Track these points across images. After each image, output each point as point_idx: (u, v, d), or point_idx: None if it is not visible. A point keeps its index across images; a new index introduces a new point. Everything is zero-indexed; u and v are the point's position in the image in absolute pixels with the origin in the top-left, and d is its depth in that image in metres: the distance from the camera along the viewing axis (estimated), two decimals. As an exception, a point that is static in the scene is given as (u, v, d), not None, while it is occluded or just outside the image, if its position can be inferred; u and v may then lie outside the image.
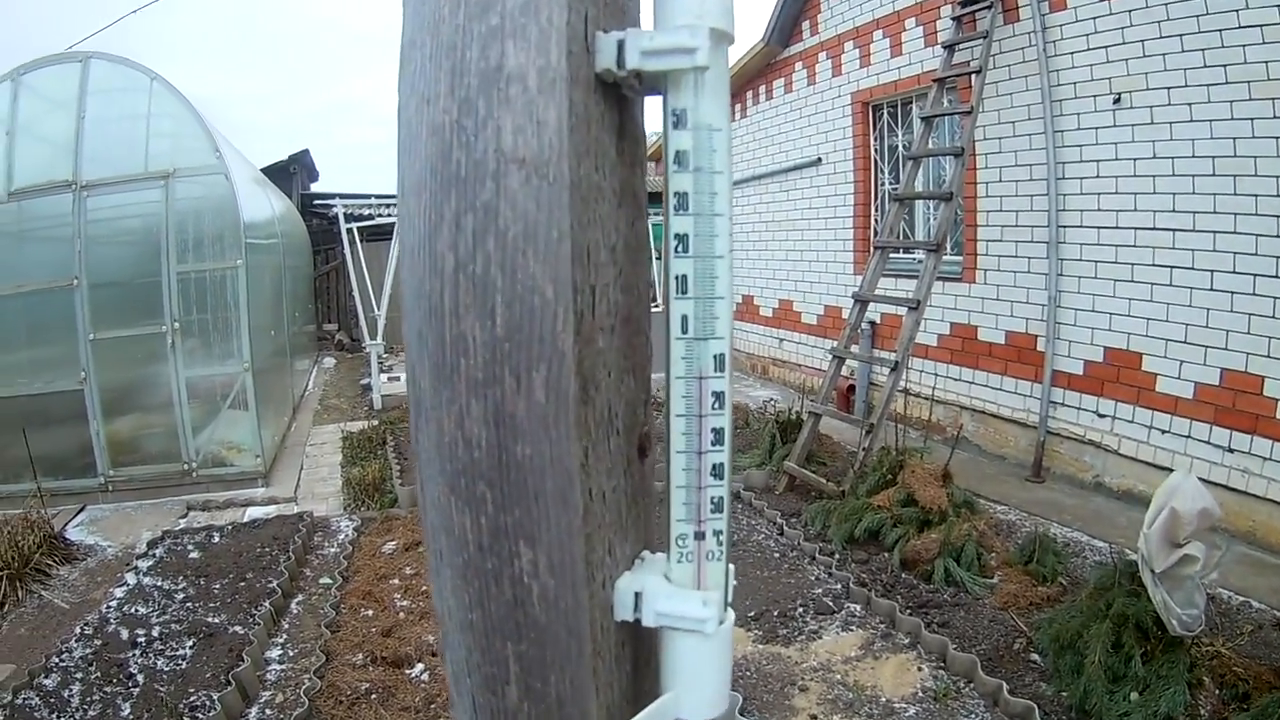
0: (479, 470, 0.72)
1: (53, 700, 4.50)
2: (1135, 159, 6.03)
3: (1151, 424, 6.12)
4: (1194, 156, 5.64)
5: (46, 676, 4.74)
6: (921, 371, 8.33)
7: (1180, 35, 5.62)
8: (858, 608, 4.98)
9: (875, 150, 9.26)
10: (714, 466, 0.77)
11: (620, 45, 0.71)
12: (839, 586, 5.23)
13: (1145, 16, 5.86)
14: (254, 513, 7.64)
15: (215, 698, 4.28)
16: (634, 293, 0.83)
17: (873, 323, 8.86)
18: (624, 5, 0.77)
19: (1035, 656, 4.24)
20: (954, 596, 4.97)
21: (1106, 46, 6.18)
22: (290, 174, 20.38)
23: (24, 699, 4.51)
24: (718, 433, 0.77)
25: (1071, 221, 6.60)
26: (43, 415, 7.87)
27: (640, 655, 0.83)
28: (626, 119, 0.78)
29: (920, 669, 4.24)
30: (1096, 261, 6.42)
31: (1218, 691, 3.66)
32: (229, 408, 8.39)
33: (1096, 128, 6.32)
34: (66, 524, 7.29)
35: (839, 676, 4.24)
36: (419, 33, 0.72)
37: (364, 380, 12.84)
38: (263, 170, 18.04)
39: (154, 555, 6.54)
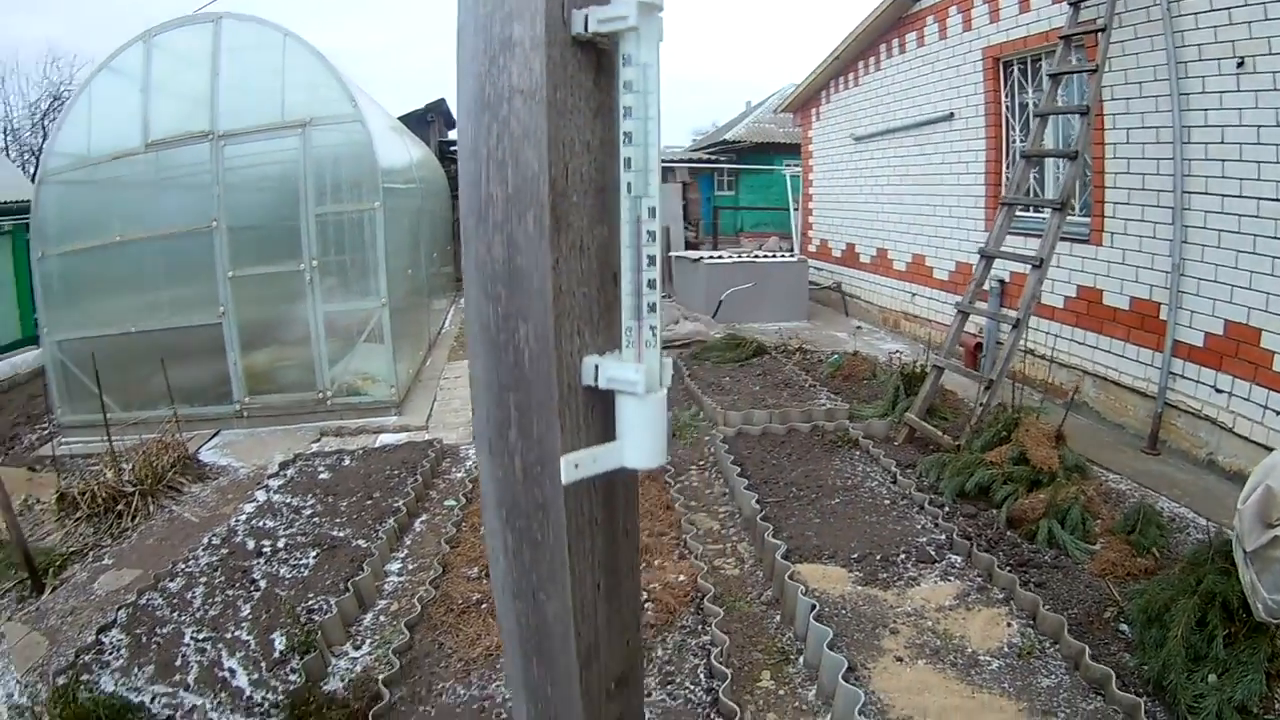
0: (498, 276, 1.26)
1: (175, 601, 5.02)
2: (1259, 126, 5.88)
3: (1267, 404, 5.97)
4: (1320, 125, 5.46)
5: (171, 580, 5.29)
6: (1047, 334, 8.35)
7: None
8: (959, 559, 5.19)
9: (1006, 107, 9.20)
10: (648, 281, 1.24)
11: (585, 18, 1.19)
12: (943, 537, 5.43)
13: (1270, -22, 5.65)
14: (385, 439, 8.26)
15: (333, 602, 4.79)
16: (606, 173, 1.28)
17: (1002, 281, 8.91)
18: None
19: (1124, 627, 4.29)
20: (1054, 558, 5.11)
21: (1229, 8, 6.01)
22: (428, 122, 21.32)
23: (147, 600, 5.05)
24: (650, 259, 1.25)
25: (1196, 188, 6.47)
26: (182, 348, 8.65)
27: (608, 423, 1.29)
28: (604, 63, 1.26)
29: (1010, 625, 4.41)
30: (1220, 230, 6.29)
31: None
32: (364, 341, 9.02)
33: (1221, 92, 6.17)
34: (200, 447, 8.01)
35: (930, 624, 4.48)
36: (465, 16, 1.26)
37: None
38: (400, 119, 19.03)
39: (284, 475, 7.17)
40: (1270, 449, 5.80)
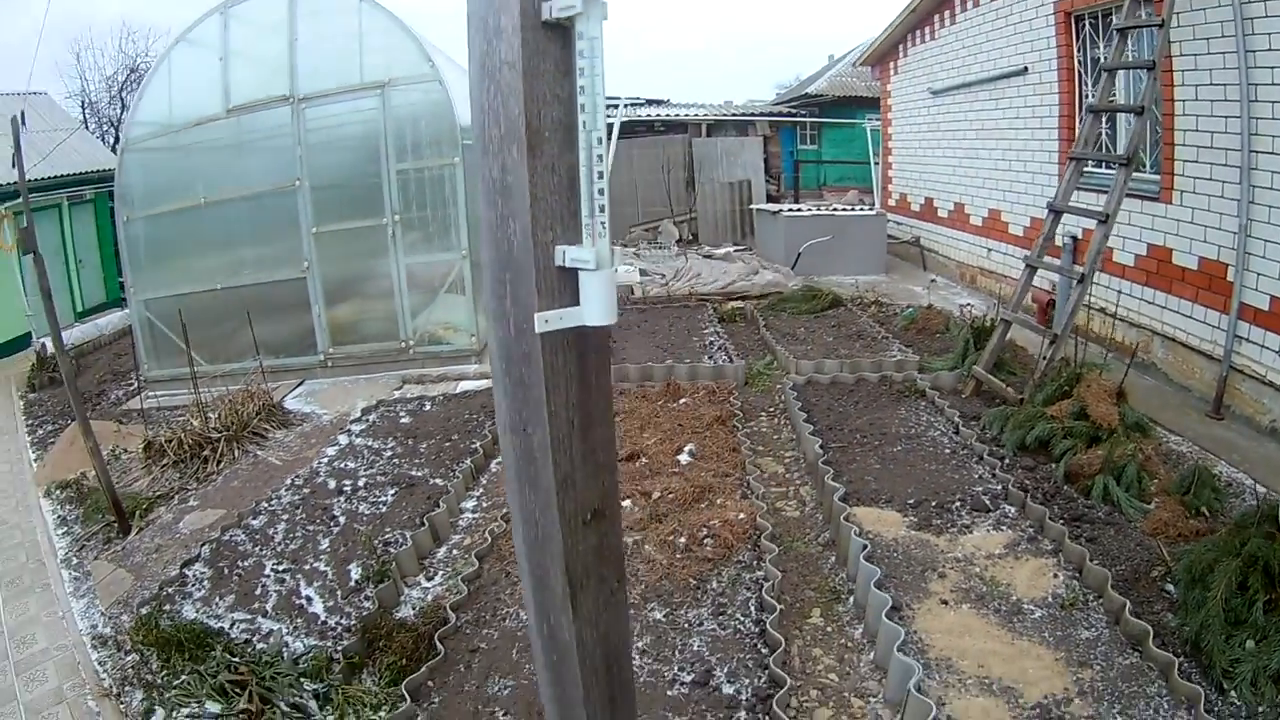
0: (496, 189, 1.69)
1: (258, 536, 5.47)
2: (1323, 86, 5.76)
3: None
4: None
5: (254, 518, 5.72)
6: (1118, 292, 8.32)
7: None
8: (1013, 510, 5.36)
9: (1079, 61, 9.12)
10: (599, 190, 1.65)
11: (550, 7, 1.54)
12: (999, 488, 5.59)
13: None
14: (465, 385, 8.74)
15: (408, 535, 5.25)
16: (571, 115, 1.63)
17: (1074, 238, 8.85)
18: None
19: (1170, 587, 4.37)
20: (1108, 514, 5.23)
21: None
22: None
23: (230, 536, 5.49)
24: (600, 174, 1.65)
25: (1263, 147, 6.36)
26: (267, 302, 9.27)
27: (575, 294, 1.70)
28: (566, 37, 1.60)
29: (1056, 576, 4.58)
30: (1287, 191, 6.20)
31: None
32: (446, 292, 9.59)
33: (1286, 48, 6.05)
34: (285, 396, 8.56)
35: (978, 570, 4.69)
36: (472, 9, 1.64)
37: None
38: None
39: (367, 420, 7.65)
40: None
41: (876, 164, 17.13)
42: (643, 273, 13.97)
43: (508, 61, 1.56)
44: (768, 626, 4.10)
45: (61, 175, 15.17)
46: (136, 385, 9.59)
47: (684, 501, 5.45)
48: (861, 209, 14.84)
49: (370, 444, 7.05)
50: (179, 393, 8.74)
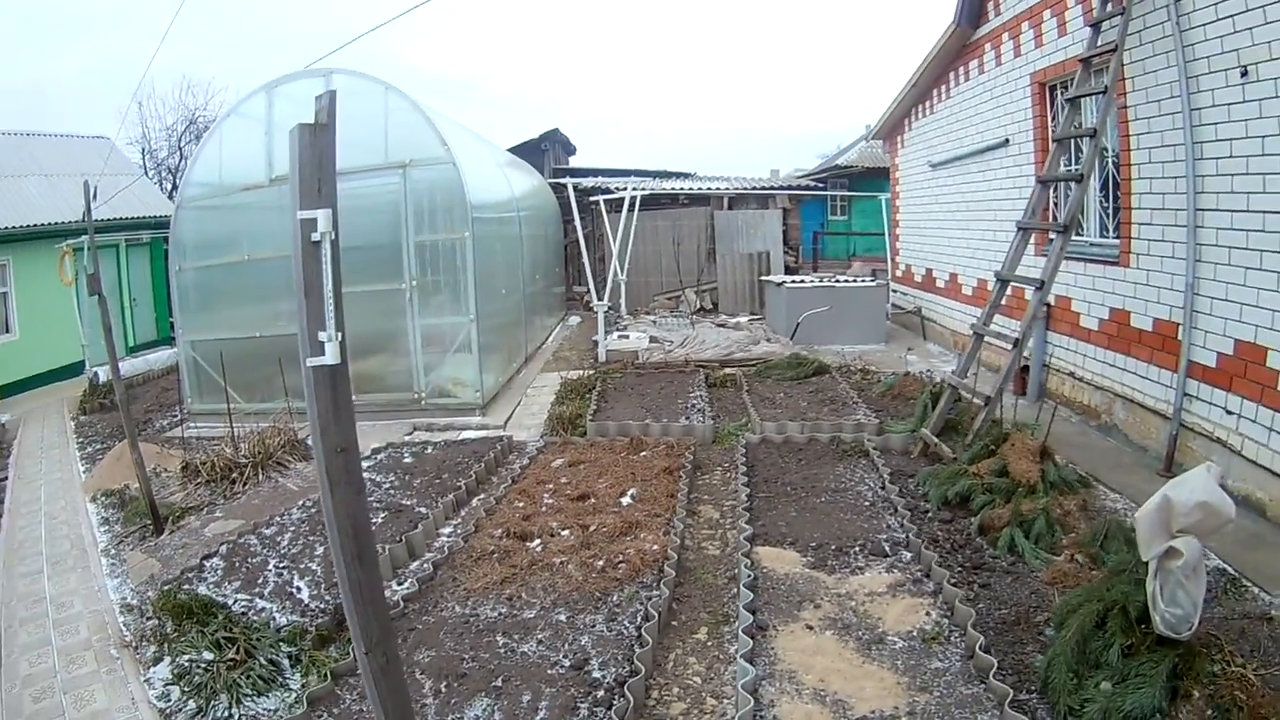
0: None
1: (267, 542, 6.41)
2: (1264, 136, 5.77)
3: (1272, 426, 5.78)
4: (1318, 135, 5.36)
5: (267, 528, 6.69)
6: (1085, 356, 8.34)
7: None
8: (909, 556, 5.44)
9: (1053, 130, 9.19)
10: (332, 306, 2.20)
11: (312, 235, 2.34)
12: (904, 537, 5.68)
13: (1267, -22, 5.56)
14: (466, 435, 9.37)
15: (386, 548, 5.99)
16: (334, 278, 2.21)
17: (1049, 305, 8.88)
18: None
19: (1050, 631, 4.38)
20: (1011, 564, 5.28)
21: (1234, 15, 5.93)
22: (542, 150, 22.55)
23: (244, 540, 6.45)
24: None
25: (1208, 204, 6.39)
26: (297, 352, 9.52)
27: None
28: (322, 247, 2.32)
29: (929, 614, 4.67)
30: (1230, 247, 6.19)
31: (1208, 712, 3.47)
32: (454, 351, 10.24)
33: (1229, 104, 6.09)
34: (308, 435, 8.81)
35: (854, 604, 4.81)
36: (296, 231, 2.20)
37: (596, 336, 14.04)
38: (514, 148, 20.12)
39: (375, 459, 8.34)
40: (1276, 474, 5.73)
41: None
42: (653, 339, 14.19)
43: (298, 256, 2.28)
44: (642, 632, 4.53)
45: (121, 218, 16.31)
46: (179, 416, 10.99)
47: (613, 534, 6.00)
48: (864, 280, 14.87)
49: (374, 478, 7.75)
50: (216, 425, 9.60)
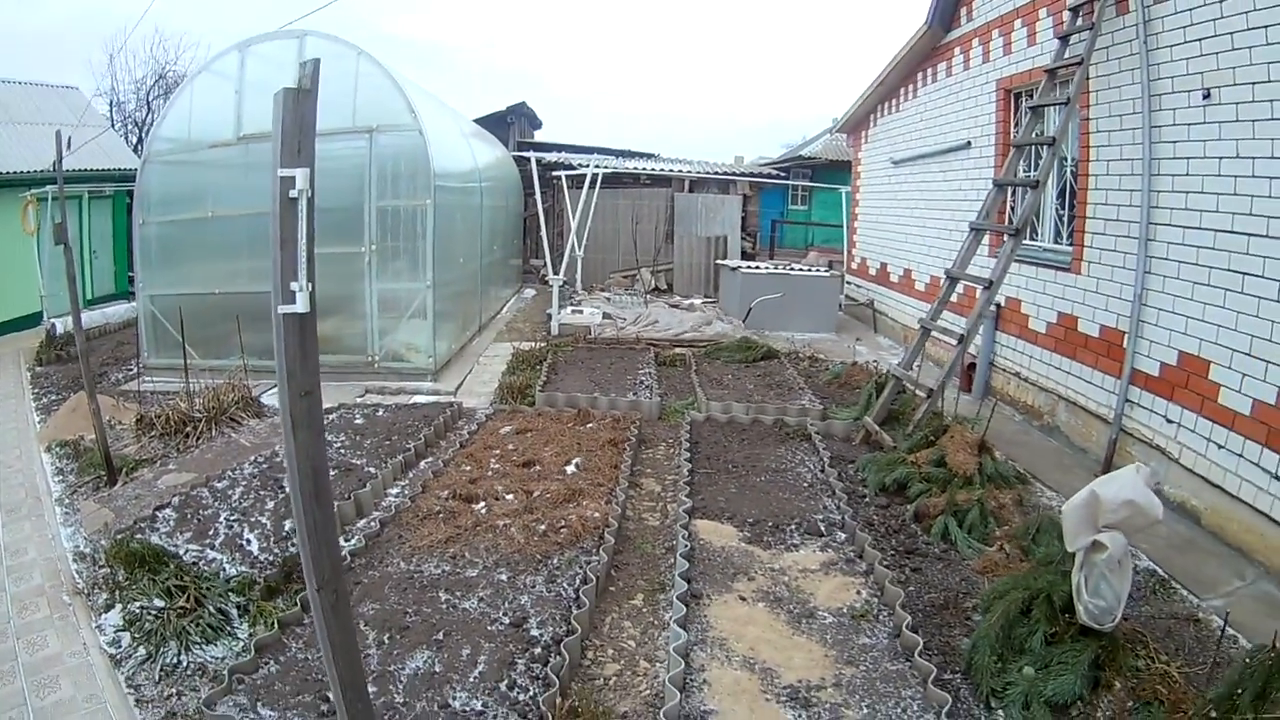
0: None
1: (219, 495, 6.41)
2: (1220, 158, 5.93)
3: (1210, 436, 5.96)
4: (1272, 157, 5.49)
5: (219, 482, 6.69)
6: (1031, 358, 8.50)
7: (1265, 27, 5.46)
8: (843, 536, 5.54)
9: (1014, 136, 9.32)
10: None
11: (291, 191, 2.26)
12: (839, 519, 5.78)
13: (1235, 6, 5.71)
14: (417, 399, 9.41)
15: (335, 505, 5.68)
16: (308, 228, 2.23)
17: (998, 305, 9.03)
18: None
19: (978, 616, 4.46)
20: (943, 552, 5.41)
21: (1201, 39, 6.07)
22: (508, 123, 22.39)
23: (197, 492, 6.46)
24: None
25: (1162, 219, 6.54)
26: (257, 310, 9.79)
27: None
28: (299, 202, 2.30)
29: (859, 593, 4.77)
30: (1180, 262, 6.34)
31: (1129, 703, 3.59)
32: (410, 317, 10.22)
33: (1189, 124, 6.24)
34: (263, 393, 9.04)
35: (787, 579, 4.90)
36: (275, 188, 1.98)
37: (550, 310, 14.08)
38: (481, 119, 19.94)
39: (328, 419, 8.19)
40: (1210, 483, 5.91)
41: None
42: (606, 316, 14.22)
43: (276, 211, 2.28)
44: (580, 594, 4.66)
45: (87, 170, 16.00)
46: (136, 370, 10.74)
47: (557, 500, 6.09)
48: (819, 270, 14.98)
49: (327, 437, 7.47)
50: (173, 380, 9.53)
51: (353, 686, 2.73)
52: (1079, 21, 7.57)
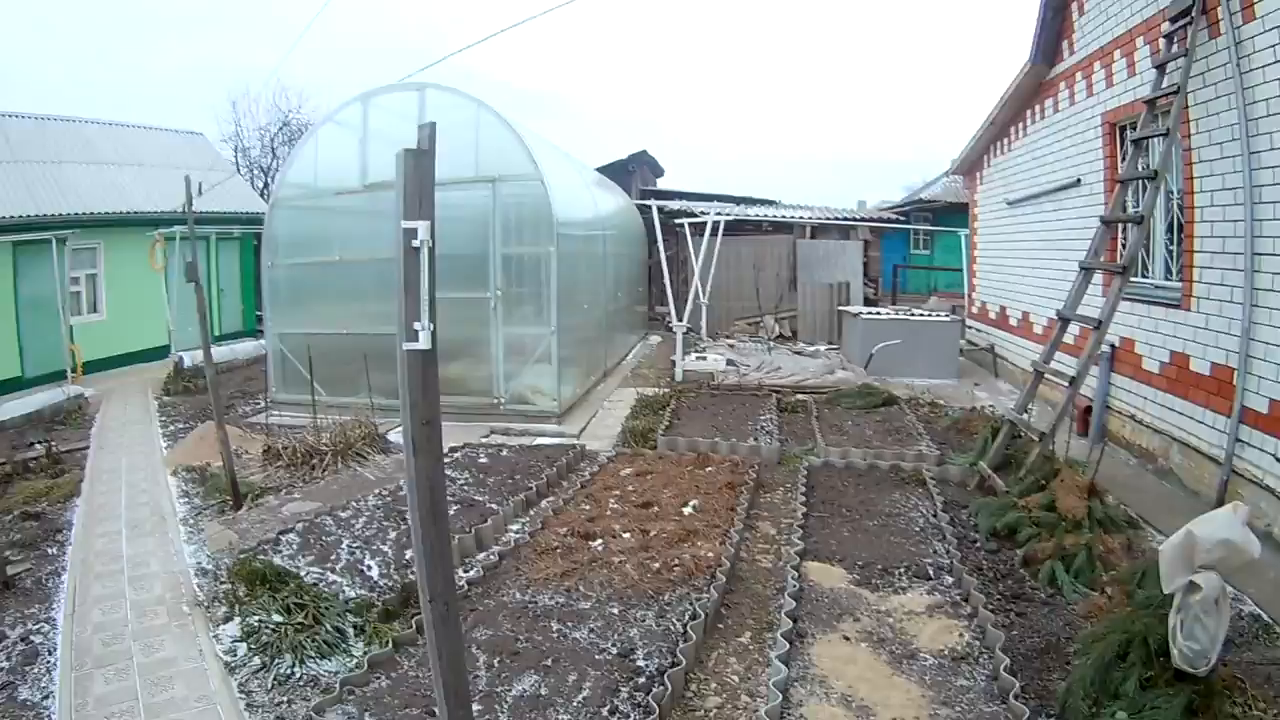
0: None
1: (343, 524, 6.90)
2: (1321, 181, 5.79)
3: None
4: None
5: (343, 511, 7.19)
6: (1146, 399, 8.36)
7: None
8: (950, 580, 5.67)
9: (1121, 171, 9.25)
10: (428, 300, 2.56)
11: (411, 241, 2.58)
12: (947, 562, 5.91)
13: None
14: (541, 441, 9.81)
15: (456, 539, 6.36)
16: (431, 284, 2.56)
17: (1112, 346, 8.95)
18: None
19: (1077, 661, 4.44)
20: (1050, 597, 5.45)
21: None
22: (630, 171, 23.00)
23: (321, 520, 6.95)
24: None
25: (1265, 249, 6.37)
26: (382, 351, 10.38)
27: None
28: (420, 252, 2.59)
29: (961, 635, 4.90)
30: (1286, 292, 6.21)
31: None
32: (535, 361, 10.69)
33: (1287, 146, 6.11)
34: (389, 431, 9.60)
35: (892, 621, 5.08)
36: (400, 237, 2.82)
37: (674, 356, 14.40)
38: (603, 167, 20.71)
39: (452, 457, 8.79)
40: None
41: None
42: (730, 362, 14.55)
43: (400, 259, 2.54)
44: (688, 628, 4.87)
45: (214, 212, 17.14)
46: (263, 403, 11.66)
47: (672, 540, 6.35)
48: (939, 315, 14.94)
49: (450, 474, 8.13)
50: (298, 415, 10.33)
51: (457, 694, 2.93)
52: (1174, 48, 7.54)
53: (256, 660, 4.90)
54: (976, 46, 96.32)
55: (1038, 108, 11.92)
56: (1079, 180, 10.29)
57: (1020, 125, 12.74)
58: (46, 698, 4.68)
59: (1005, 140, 13.60)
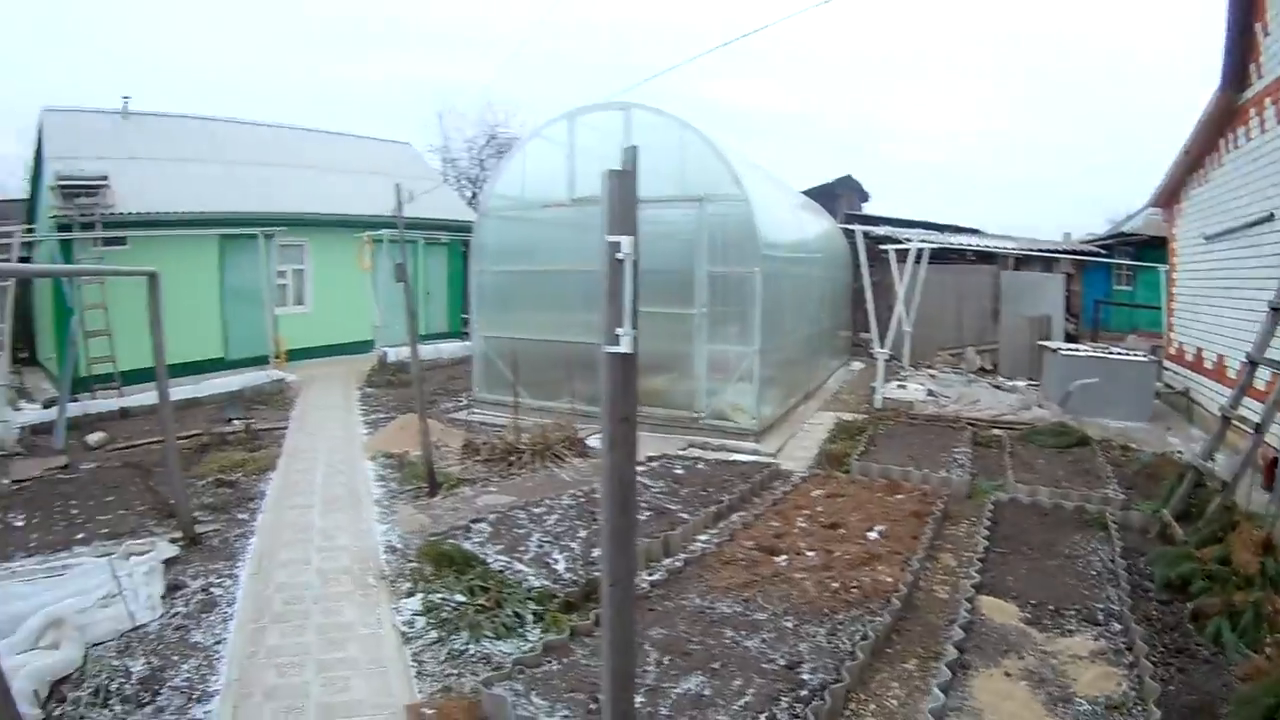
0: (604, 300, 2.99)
1: (534, 518, 7.39)
2: None
3: None
4: None
5: (536, 507, 7.68)
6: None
7: None
8: (1118, 628, 5.85)
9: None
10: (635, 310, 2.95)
11: (616, 254, 2.93)
12: (1118, 609, 6.09)
13: None
14: (737, 457, 10.23)
15: (645, 542, 6.80)
16: (633, 287, 2.94)
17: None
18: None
19: None
20: (1214, 654, 5.50)
21: None
22: (835, 195, 23.31)
23: (514, 513, 7.51)
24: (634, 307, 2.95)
25: None
26: (585, 359, 11.23)
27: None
28: (624, 266, 2.93)
29: (1120, 684, 5.06)
30: None
31: None
32: (736, 379, 11.05)
33: None
34: (588, 436, 10.24)
35: (1055, 662, 5.34)
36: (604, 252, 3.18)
37: (875, 383, 14.67)
38: (811, 190, 21.37)
39: (649, 466, 9.38)
40: None
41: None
42: (930, 393, 14.84)
43: (607, 271, 2.85)
44: (857, 648, 5.21)
45: (422, 218, 18.26)
46: (465, 401, 12.64)
47: (854, 562, 6.72)
48: (1136, 354, 14.52)
49: (645, 482, 8.76)
50: (498, 414, 11.16)
51: (621, 678, 3.11)
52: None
53: (433, 634, 5.31)
54: (1192, 73, 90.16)
55: (1231, 137, 11.52)
56: (1272, 215, 9.94)
57: (1215, 155, 12.33)
58: (219, 643, 5.22)
59: (1201, 171, 13.17)
